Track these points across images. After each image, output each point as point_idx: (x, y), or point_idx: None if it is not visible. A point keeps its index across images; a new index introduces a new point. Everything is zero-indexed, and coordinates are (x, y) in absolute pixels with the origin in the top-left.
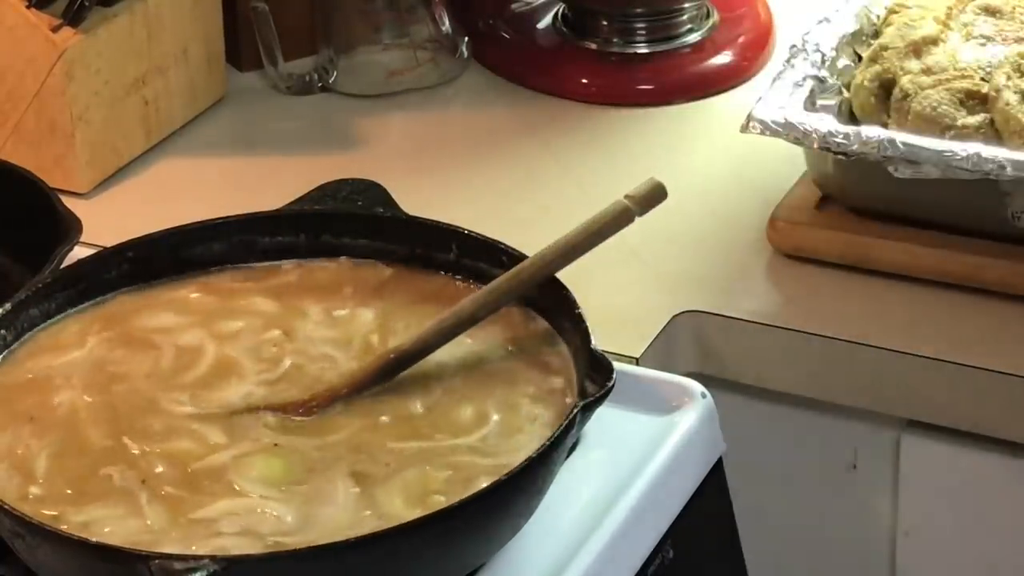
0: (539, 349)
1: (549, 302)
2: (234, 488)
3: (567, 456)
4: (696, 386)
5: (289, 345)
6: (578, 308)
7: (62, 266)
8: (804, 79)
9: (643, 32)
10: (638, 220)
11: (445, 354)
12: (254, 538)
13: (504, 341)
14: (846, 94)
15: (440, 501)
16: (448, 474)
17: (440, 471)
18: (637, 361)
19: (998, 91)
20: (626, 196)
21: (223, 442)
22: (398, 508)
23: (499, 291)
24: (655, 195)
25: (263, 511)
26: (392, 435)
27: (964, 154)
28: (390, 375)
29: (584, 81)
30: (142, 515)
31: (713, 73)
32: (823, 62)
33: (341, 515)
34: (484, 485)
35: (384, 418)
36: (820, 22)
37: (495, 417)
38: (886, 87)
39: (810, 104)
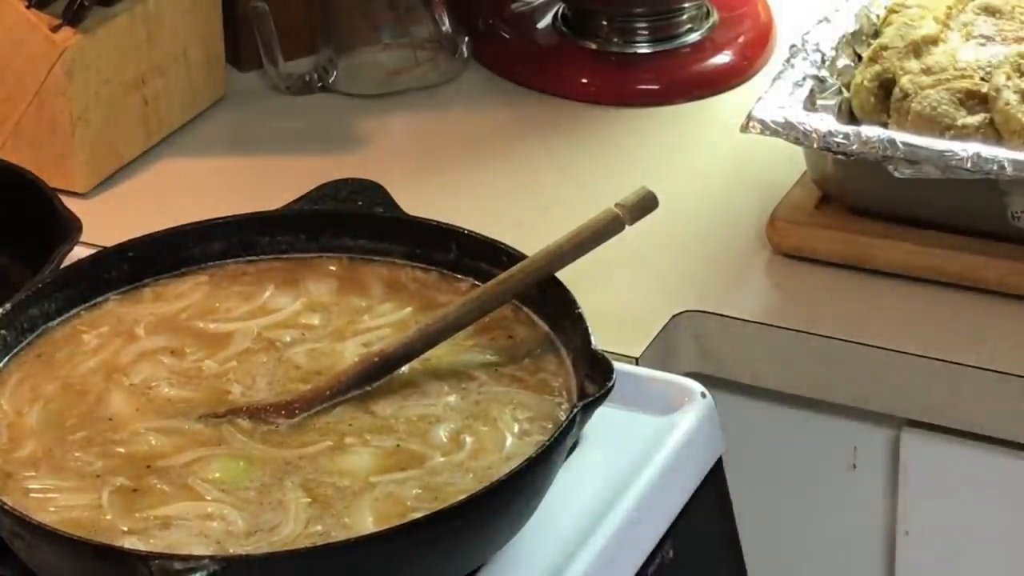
0: (539, 349)
1: (549, 302)
2: (191, 489)
3: (567, 456)
4: (696, 386)
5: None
6: (578, 308)
7: (62, 266)
8: (804, 79)
9: (643, 32)
10: (639, 220)
11: (436, 357)
12: (204, 540)
13: (503, 341)
14: (846, 94)
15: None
16: (417, 492)
17: (412, 488)
18: (637, 361)
19: (998, 91)
20: (617, 204)
21: (189, 442)
22: (366, 524)
23: (485, 297)
24: (646, 204)
25: (214, 514)
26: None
27: (964, 154)
28: (374, 378)
29: (584, 81)
30: (98, 503)
31: (713, 73)
32: (823, 62)
33: (291, 526)
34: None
35: (358, 427)
36: (820, 22)
37: (492, 415)
38: (886, 87)
39: (810, 104)
